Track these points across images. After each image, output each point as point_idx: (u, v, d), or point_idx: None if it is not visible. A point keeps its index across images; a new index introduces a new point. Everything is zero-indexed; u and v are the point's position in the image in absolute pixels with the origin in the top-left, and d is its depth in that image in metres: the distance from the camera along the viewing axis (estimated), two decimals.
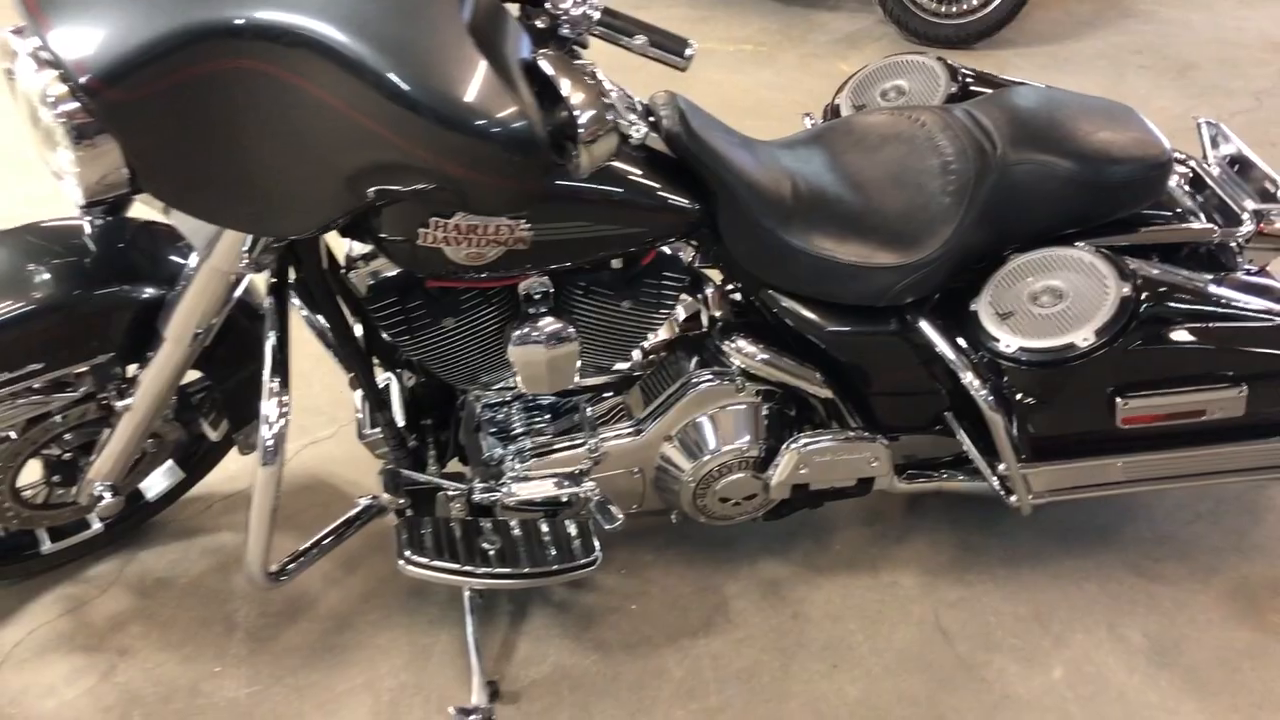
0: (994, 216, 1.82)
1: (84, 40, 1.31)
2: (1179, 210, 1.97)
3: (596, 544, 1.91)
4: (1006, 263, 1.85)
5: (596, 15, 1.47)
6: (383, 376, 2.00)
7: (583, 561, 1.88)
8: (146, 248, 1.76)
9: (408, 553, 1.83)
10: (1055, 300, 1.78)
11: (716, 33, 4.72)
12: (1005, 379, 1.79)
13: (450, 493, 1.94)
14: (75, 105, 1.32)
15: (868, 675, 1.98)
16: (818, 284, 1.81)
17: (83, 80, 1.30)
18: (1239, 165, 2.09)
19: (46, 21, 1.34)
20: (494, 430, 1.94)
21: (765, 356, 1.88)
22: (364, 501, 1.95)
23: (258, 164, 1.39)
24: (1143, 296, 1.76)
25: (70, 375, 1.73)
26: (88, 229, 1.75)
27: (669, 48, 1.50)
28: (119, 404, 1.74)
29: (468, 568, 1.83)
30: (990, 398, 1.79)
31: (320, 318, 1.77)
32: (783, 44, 4.65)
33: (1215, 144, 2.14)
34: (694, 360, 1.94)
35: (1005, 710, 1.93)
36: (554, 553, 1.88)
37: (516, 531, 1.90)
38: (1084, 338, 1.74)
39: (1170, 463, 1.92)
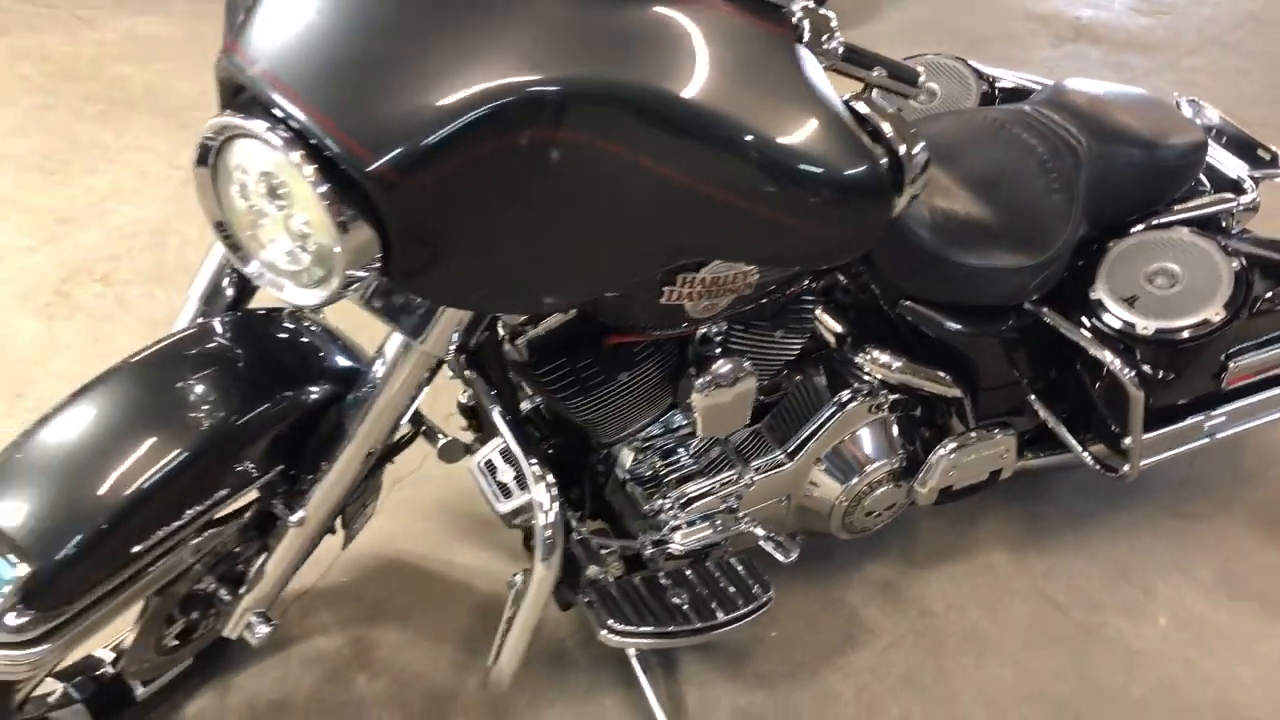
0: (1090, 209, 1.93)
1: (365, 122, 1.14)
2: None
3: (766, 579, 1.87)
4: (1108, 251, 1.96)
5: (841, 50, 1.44)
6: (492, 445, 1.87)
7: (763, 600, 1.84)
8: (290, 342, 1.55)
9: (611, 622, 1.73)
10: (1170, 281, 1.91)
11: None
12: (1140, 358, 1.91)
13: (606, 551, 1.85)
14: (328, 188, 1.15)
15: (1011, 658, 2.06)
16: (960, 290, 1.86)
17: (370, 168, 1.12)
18: (1224, 136, 2.30)
19: (313, 102, 1.15)
20: (642, 482, 1.87)
21: (900, 364, 1.91)
22: (519, 577, 1.82)
23: (547, 241, 1.27)
24: (1248, 268, 1.92)
25: (240, 500, 1.50)
26: (219, 329, 1.52)
27: (903, 77, 1.49)
28: (293, 518, 1.54)
29: (670, 627, 1.75)
30: (1134, 376, 1.89)
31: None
32: None
33: (1197, 119, 2.35)
34: (822, 379, 1.93)
35: (1139, 666, 2.06)
36: (735, 595, 1.83)
37: (695, 581, 1.84)
38: (1215, 313, 1.88)
39: (1248, 411, 2.11)
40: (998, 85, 2.25)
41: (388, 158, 1.12)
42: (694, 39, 1.22)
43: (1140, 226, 2.01)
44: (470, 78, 1.15)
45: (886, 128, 1.28)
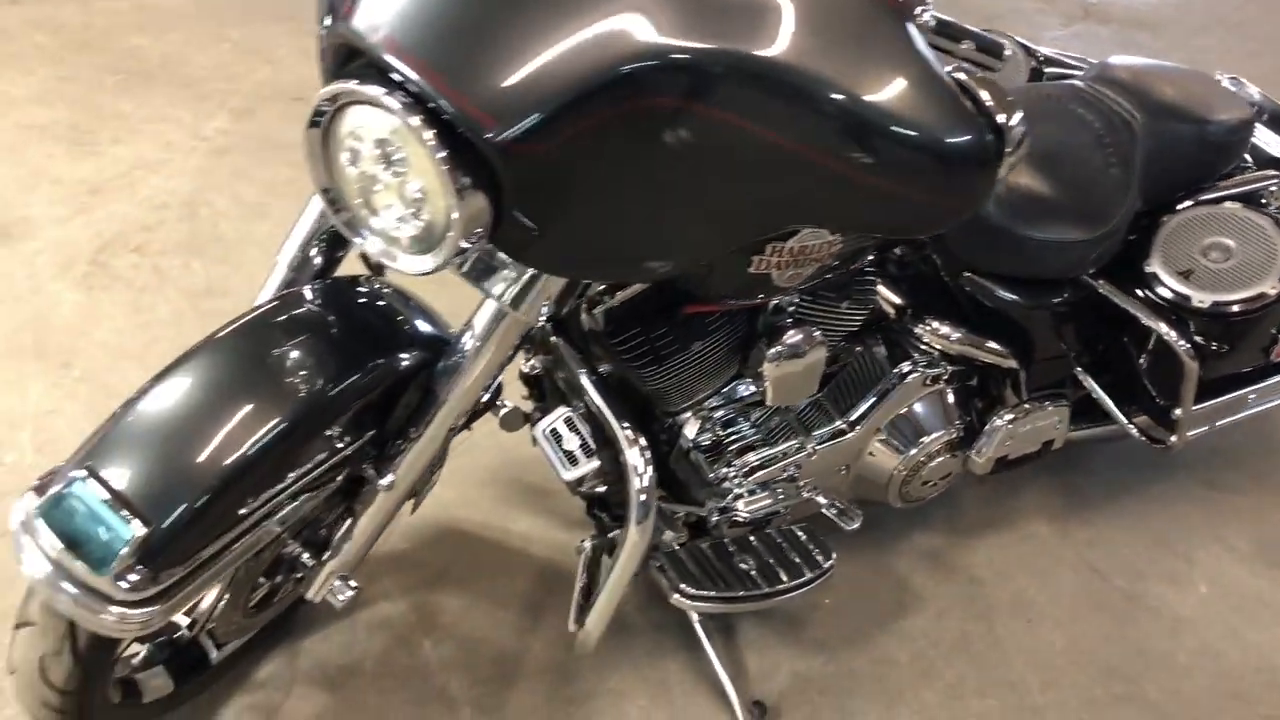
0: (1145, 183, 1.96)
1: (489, 89, 1.15)
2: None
3: (828, 545, 1.91)
4: (1163, 225, 1.99)
5: (933, 22, 1.46)
6: (557, 414, 1.89)
7: (826, 566, 1.87)
8: (377, 309, 1.56)
9: (683, 586, 1.76)
10: (1225, 255, 1.95)
11: None
12: (1194, 330, 1.95)
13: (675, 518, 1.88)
14: (447, 154, 1.16)
15: (1060, 623, 2.10)
16: (1022, 263, 1.89)
17: (494, 135, 1.14)
18: (1264, 113, 2.33)
19: (436, 68, 1.17)
20: (705, 450, 1.89)
21: (959, 336, 1.94)
22: (588, 543, 1.85)
23: (655, 208, 1.29)
24: None
25: (333, 465, 1.52)
26: (309, 297, 1.53)
27: (990, 50, 1.51)
28: (382, 482, 1.55)
29: (740, 592, 1.79)
30: (1189, 348, 1.93)
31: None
32: None
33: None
34: (881, 350, 1.96)
35: (1183, 632, 2.11)
36: (799, 562, 1.86)
37: (760, 548, 1.87)
38: (1271, 286, 1.92)
39: None
40: (1044, 60, 2.27)
41: (511, 125, 1.13)
42: (809, 8, 1.24)
43: (1189, 202, 2.05)
44: (591, 47, 1.16)
45: (987, 97, 1.31)
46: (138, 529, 1.26)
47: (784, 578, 1.83)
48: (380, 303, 1.56)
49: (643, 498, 1.51)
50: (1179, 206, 2.02)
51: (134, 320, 2.62)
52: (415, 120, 1.16)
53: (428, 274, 1.30)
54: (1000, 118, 1.31)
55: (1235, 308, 1.93)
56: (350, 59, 1.28)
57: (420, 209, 1.25)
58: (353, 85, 1.20)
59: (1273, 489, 2.45)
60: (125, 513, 1.27)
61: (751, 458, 1.86)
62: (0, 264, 2.76)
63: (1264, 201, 2.15)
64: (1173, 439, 2.10)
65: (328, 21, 1.26)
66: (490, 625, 1.98)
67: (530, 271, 1.39)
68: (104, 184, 3.14)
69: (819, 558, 1.88)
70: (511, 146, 1.14)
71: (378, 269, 1.62)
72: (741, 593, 1.79)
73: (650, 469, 1.52)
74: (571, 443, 1.84)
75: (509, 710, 1.85)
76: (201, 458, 1.31)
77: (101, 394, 2.37)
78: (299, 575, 1.69)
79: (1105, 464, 2.47)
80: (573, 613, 1.76)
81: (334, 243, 1.59)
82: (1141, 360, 2.03)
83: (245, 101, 3.66)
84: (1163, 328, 1.94)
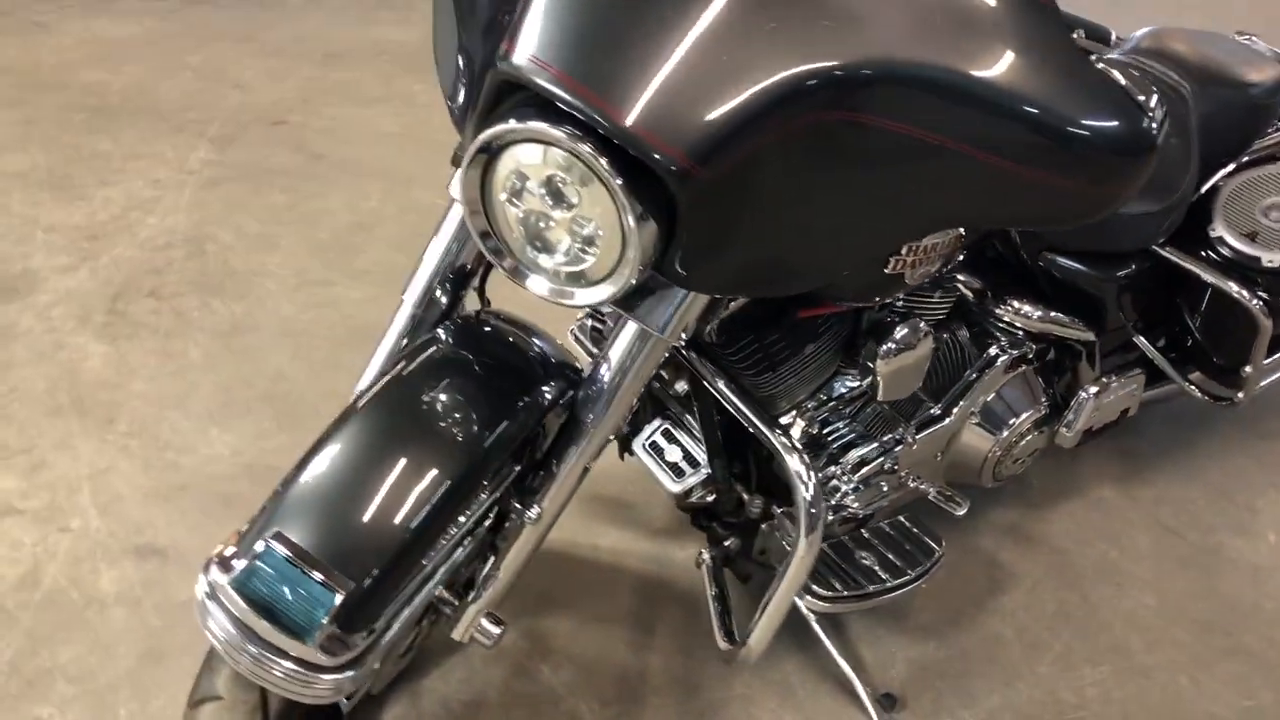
0: (1201, 151, 2.01)
1: (664, 116, 1.14)
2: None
3: (937, 533, 1.93)
4: (1220, 189, 2.05)
5: None
6: (654, 426, 1.89)
7: (939, 553, 1.89)
8: (510, 344, 1.53)
9: (814, 588, 1.77)
10: None
11: None
12: (1263, 290, 2.01)
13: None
14: (624, 183, 1.15)
15: (1148, 584, 2.16)
16: (1101, 238, 1.93)
17: (674, 162, 1.13)
18: None
19: (610, 100, 1.15)
20: (811, 450, 1.90)
21: (1040, 314, 1.97)
22: (707, 555, 1.86)
23: (820, 221, 1.29)
24: None
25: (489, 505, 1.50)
26: (451, 341, 1.49)
27: (1099, 37, 1.53)
28: (530, 514, 1.53)
29: (870, 588, 1.80)
30: (1263, 306, 1.99)
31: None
32: None
33: None
34: (965, 334, 1.99)
35: (1264, 581, 2.18)
36: (913, 550, 1.89)
37: (875, 542, 1.88)
38: None
39: None
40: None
41: (690, 151, 1.12)
42: (964, 8, 1.25)
43: (1230, 166, 2.10)
44: (758, 66, 1.15)
45: (1131, 85, 1.33)
46: (337, 593, 1.23)
47: (905, 568, 1.85)
48: (511, 337, 1.53)
49: (811, 509, 1.50)
50: (1230, 169, 2.07)
51: (167, 367, 2.55)
52: (587, 150, 1.15)
53: (599, 305, 1.29)
54: (1149, 103, 1.33)
55: None
56: (499, 99, 1.25)
57: (593, 242, 1.24)
58: (532, 124, 1.18)
59: None
60: (320, 577, 1.24)
61: (854, 454, 1.87)
62: (16, 320, 2.66)
63: None
64: (1240, 395, 2.16)
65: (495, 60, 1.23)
66: (604, 645, 1.97)
67: (679, 293, 1.39)
68: (101, 229, 3.04)
69: (931, 544, 1.90)
70: (691, 170, 1.13)
71: (485, 300, 1.61)
72: (871, 588, 1.81)
73: (814, 476, 1.51)
74: (674, 454, 1.84)
75: None
76: (383, 516, 1.28)
77: (154, 447, 2.31)
78: (438, 618, 1.66)
79: (1151, 425, 2.53)
80: (716, 628, 1.76)
81: (458, 280, 1.57)
82: (1209, 321, 2.09)
83: (223, 129, 3.57)
84: (1234, 288, 1.99)
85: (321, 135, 3.56)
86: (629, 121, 1.14)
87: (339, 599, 1.23)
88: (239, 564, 1.25)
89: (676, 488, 1.86)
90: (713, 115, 1.14)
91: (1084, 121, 1.25)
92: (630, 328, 1.47)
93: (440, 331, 1.49)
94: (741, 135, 1.14)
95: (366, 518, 1.28)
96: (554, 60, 1.18)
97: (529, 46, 1.19)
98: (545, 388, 1.47)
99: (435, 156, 3.42)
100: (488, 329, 1.52)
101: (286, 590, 1.24)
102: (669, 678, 1.93)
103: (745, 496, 1.89)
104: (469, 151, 1.24)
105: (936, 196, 1.31)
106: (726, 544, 1.90)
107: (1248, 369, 2.10)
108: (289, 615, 1.24)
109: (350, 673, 1.28)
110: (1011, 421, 1.98)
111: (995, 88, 1.22)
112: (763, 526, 1.91)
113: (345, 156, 3.44)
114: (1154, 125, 1.31)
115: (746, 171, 1.18)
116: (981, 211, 1.38)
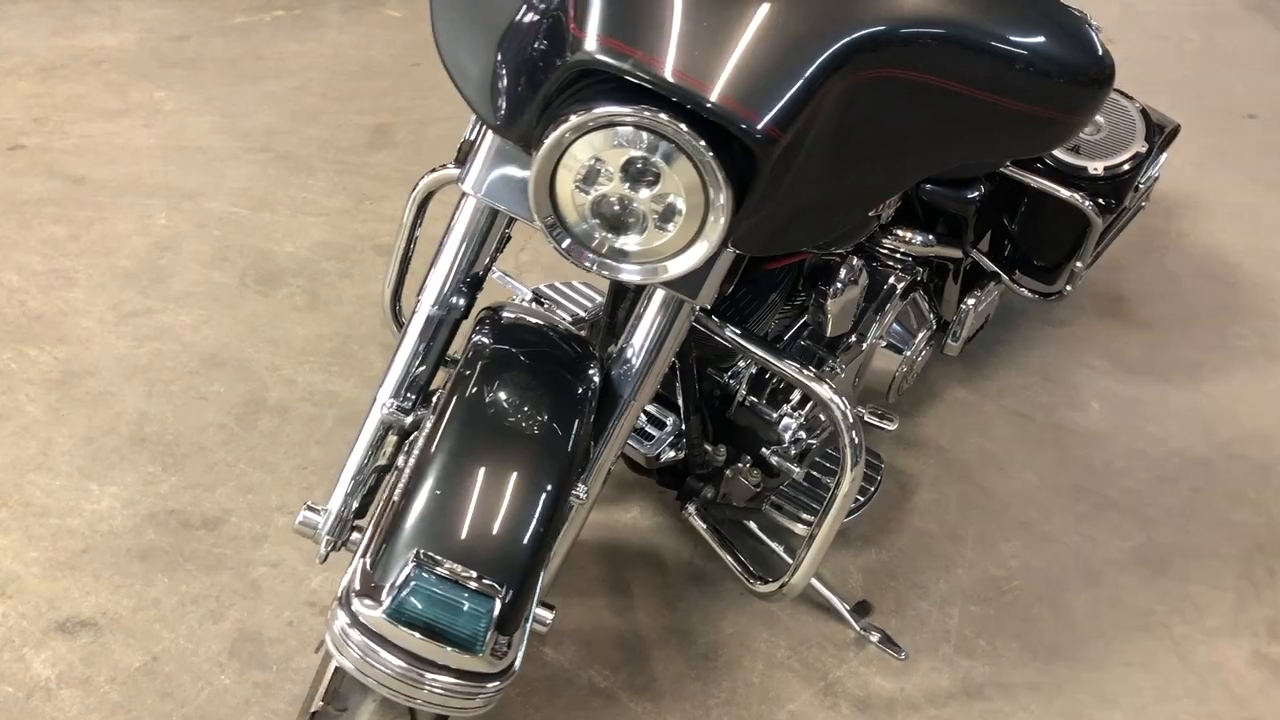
0: None
1: (742, 84, 1.22)
2: None
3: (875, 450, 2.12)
4: None
5: None
6: None
7: (882, 467, 2.09)
8: (542, 334, 1.55)
9: (804, 516, 1.91)
10: (1096, 129, 2.34)
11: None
12: (1090, 194, 2.32)
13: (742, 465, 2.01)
14: (713, 154, 1.23)
15: (1024, 464, 2.46)
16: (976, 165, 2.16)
17: (758, 127, 1.22)
18: None
19: (702, 81, 1.22)
20: (758, 396, 2.02)
21: (923, 239, 2.19)
22: (692, 507, 1.95)
23: (857, 172, 1.41)
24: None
25: None
26: (490, 339, 1.48)
27: None
28: (579, 494, 1.53)
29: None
30: (1093, 207, 2.30)
31: None
32: None
33: None
34: (861, 264, 2.17)
35: (1106, 442, 2.55)
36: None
37: (834, 468, 2.04)
38: (1140, 145, 2.33)
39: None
40: None
41: (772, 117, 1.22)
42: None
43: None
44: (814, 34, 1.27)
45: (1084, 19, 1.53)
46: (495, 599, 1.23)
47: (865, 486, 2.02)
48: (539, 328, 1.55)
49: (853, 437, 1.62)
50: None
51: (6, 428, 2.30)
52: (688, 130, 1.21)
53: (687, 274, 1.34)
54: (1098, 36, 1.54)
55: (1125, 167, 2.32)
56: (568, 86, 1.28)
57: (670, 218, 1.30)
58: (619, 108, 1.22)
59: (1090, 315, 2.95)
60: (474, 587, 1.24)
61: (797, 392, 2.02)
62: None
63: None
64: (1067, 288, 2.49)
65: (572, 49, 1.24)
66: (592, 616, 2.02)
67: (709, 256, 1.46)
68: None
69: (876, 461, 2.09)
70: (772, 134, 1.22)
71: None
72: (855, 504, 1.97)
73: (848, 403, 1.62)
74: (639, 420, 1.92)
75: (661, 681, 1.92)
76: (512, 518, 1.29)
77: (30, 515, 2.10)
78: None
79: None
80: (740, 574, 1.86)
81: (475, 279, 1.56)
82: (1043, 225, 2.39)
83: None
84: (1064, 192, 2.29)
85: (73, 157, 3.26)
86: (716, 96, 1.21)
87: (497, 605, 1.23)
88: (387, 592, 1.22)
89: (652, 451, 1.94)
90: (786, 82, 1.23)
91: (1070, 59, 1.44)
92: (656, 301, 1.53)
93: (483, 335, 1.48)
94: (810, 98, 1.24)
95: (498, 523, 1.28)
96: (636, 44, 1.22)
97: (606, 33, 1.23)
98: (590, 371, 1.51)
99: (213, 166, 3.24)
100: (519, 323, 1.53)
101: (446, 606, 1.23)
102: (662, 630, 2.01)
103: (710, 448, 2.00)
104: (548, 144, 1.25)
105: (950, 138, 1.46)
106: (704, 494, 1.99)
107: (1079, 264, 2.43)
108: (454, 630, 1.23)
109: (508, 678, 1.28)
110: (912, 341, 2.19)
111: (1000, 35, 1.38)
112: (726, 473, 2.02)
113: (111, 176, 3.18)
114: (1109, 56, 1.52)
115: (809, 131, 1.28)
116: (982, 148, 1.54)
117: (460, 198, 1.53)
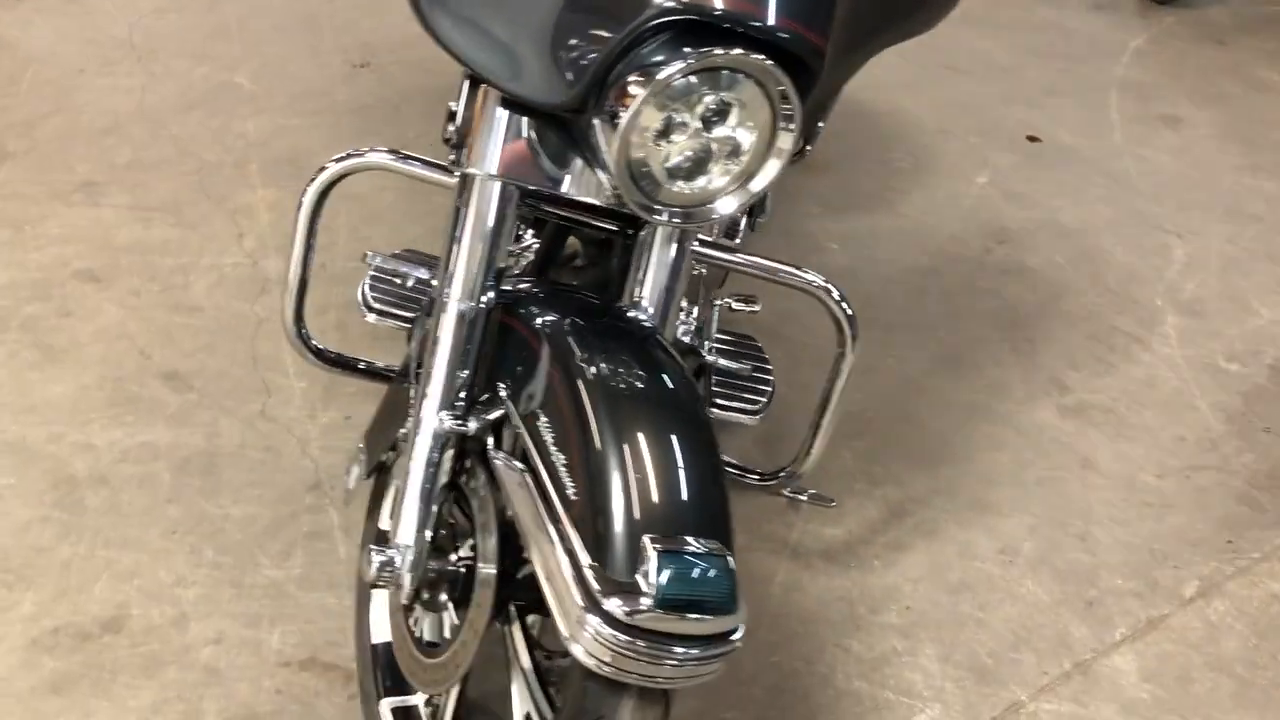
0: None
1: (798, 9, 1.29)
2: None
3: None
4: None
5: None
6: None
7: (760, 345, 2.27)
8: (596, 304, 1.56)
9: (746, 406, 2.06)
10: None
11: None
12: None
13: None
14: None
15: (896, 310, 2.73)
16: None
17: (814, 46, 1.30)
18: None
19: (767, 11, 1.28)
20: None
21: None
22: None
23: (835, 70, 1.54)
24: None
25: None
26: (570, 319, 1.45)
27: None
28: None
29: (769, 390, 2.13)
30: None
31: None
32: None
33: None
34: None
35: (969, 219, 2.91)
36: (750, 353, 2.24)
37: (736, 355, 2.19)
38: None
39: None
40: None
41: (820, 30, 1.32)
42: None
43: None
44: None
45: None
46: (729, 557, 1.27)
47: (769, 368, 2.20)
48: (592, 298, 1.58)
49: (846, 309, 1.76)
50: None
51: None
52: (771, 62, 1.28)
53: (746, 203, 1.40)
54: None
55: None
56: (631, 46, 1.28)
57: (738, 152, 1.36)
58: (716, 51, 1.25)
59: None
60: (705, 550, 1.26)
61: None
62: None
63: None
64: (809, 148, 2.75)
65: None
66: None
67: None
68: None
69: (750, 339, 2.27)
70: (819, 47, 1.32)
71: None
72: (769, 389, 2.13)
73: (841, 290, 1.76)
74: None
75: None
76: (700, 482, 1.32)
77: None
78: None
79: None
80: (735, 474, 1.94)
81: (499, 270, 1.51)
82: None
83: None
84: None
85: None
86: (776, 20, 1.27)
87: (731, 560, 1.27)
88: (646, 586, 1.21)
89: None
90: None
91: None
92: (658, 238, 1.57)
93: (564, 316, 1.44)
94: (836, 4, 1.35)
95: (692, 486, 1.31)
96: None
97: None
98: (634, 315, 1.54)
99: None
100: (576, 297, 1.53)
101: (700, 579, 1.24)
102: None
103: None
104: (637, 101, 1.25)
105: (896, 17, 1.62)
106: None
107: (821, 124, 2.68)
108: (713, 600, 1.24)
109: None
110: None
111: None
112: None
113: None
114: None
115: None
116: (914, 23, 1.71)
117: (463, 182, 1.46)
